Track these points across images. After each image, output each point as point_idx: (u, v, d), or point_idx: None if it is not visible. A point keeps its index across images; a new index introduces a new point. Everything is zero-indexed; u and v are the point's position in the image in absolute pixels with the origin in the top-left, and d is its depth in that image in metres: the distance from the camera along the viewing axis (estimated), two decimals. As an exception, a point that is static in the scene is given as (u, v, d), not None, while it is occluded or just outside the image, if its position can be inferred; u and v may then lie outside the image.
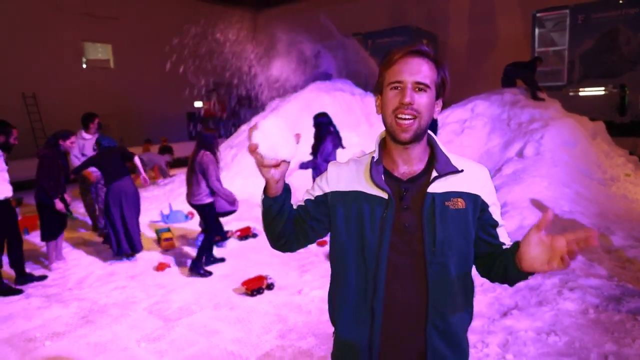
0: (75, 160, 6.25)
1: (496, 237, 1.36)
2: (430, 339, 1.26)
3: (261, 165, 1.18)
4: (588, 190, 6.76)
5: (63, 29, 15.62)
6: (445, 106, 9.07)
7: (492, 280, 1.38)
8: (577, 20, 13.00)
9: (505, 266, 1.27)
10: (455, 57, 16.48)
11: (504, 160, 7.58)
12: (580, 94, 12.96)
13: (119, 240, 5.34)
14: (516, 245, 1.22)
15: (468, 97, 9.73)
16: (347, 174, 1.37)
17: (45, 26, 15.06)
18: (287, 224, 1.37)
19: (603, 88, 12.69)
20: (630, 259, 4.76)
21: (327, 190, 1.38)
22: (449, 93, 1.32)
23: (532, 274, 1.19)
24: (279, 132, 1.16)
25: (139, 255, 5.58)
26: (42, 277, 4.98)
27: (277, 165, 1.19)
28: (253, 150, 1.15)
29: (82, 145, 6.36)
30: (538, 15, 13.66)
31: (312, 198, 1.41)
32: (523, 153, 7.45)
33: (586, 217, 5.85)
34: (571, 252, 1.06)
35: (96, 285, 4.80)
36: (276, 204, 1.31)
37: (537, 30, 13.72)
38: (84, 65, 16.93)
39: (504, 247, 1.35)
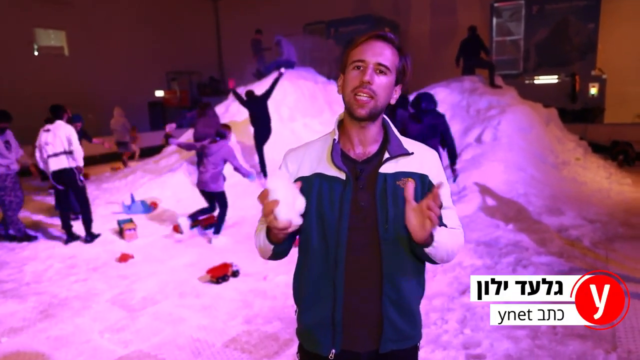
0: None
1: (439, 218, 1.41)
2: (385, 310, 1.34)
3: (277, 229, 1.20)
4: (542, 173, 7.09)
5: (11, 14, 14.81)
6: (407, 93, 9.26)
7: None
8: (532, 10, 13.45)
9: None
10: (417, 45, 16.72)
11: (464, 146, 7.82)
12: (535, 82, 13.46)
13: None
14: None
15: (429, 85, 9.93)
16: (308, 158, 1.41)
17: (-9, 11, 14.25)
18: (288, 249, 1.44)
19: (556, 76, 13.23)
20: (578, 237, 5.06)
21: (292, 179, 1.41)
22: (409, 81, 1.38)
23: (426, 245, 1.25)
24: (288, 194, 1.19)
25: (101, 248, 5.49)
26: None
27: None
28: (268, 215, 1.18)
29: None
30: (496, 5, 14.04)
31: None
32: (481, 139, 7.72)
33: (540, 199, 6.15)
34: (429, 207, 1.14)
35: (56, 279, 4.67)
36: (284, 244, 1.37)
37: (494, 20, 14.10)
38: (36, 53, 16.13)
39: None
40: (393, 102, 1.37)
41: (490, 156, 7.05)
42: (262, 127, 8.11)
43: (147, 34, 18.65)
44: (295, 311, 1.50)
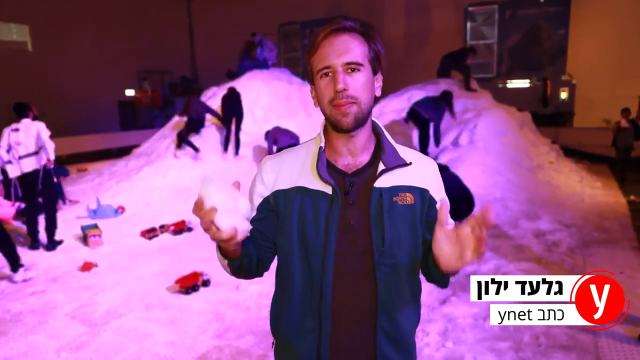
0: None
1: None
2: (379, 344, 1.17)
3: (222, 241, 1.02)
4: (518, 177, 7.10)
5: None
6: (382, 96, 9.23)
7: (430, 282, 1.29)
8: (505, 15, 13.63)
9: (429, 268, 1.20)
10: (392, 47, 16.73)
11: (440, 149, 7.78)
12: (508, 85, 13.63)
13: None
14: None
15: (405, 87, 9.89)
16: (287, 167, 1.22)
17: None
18: (255, 264, 1.26)
19: (528, 81, 13.43)
20: (555, 242, 5.05)
21: (267, 193, 1.22)
22: (385, 65, 1.19)
23: (454, 273, 1.08)
24: (226, 198, 1.00)
25: (62, 255, 5.16)
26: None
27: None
28: (209, 227, 0.99)
29: None
30: (470, 9, 14.17)
31: (255, 213, 1.25)
32: (458, 142, 7.69)
33: (517, 204, 6.14)
34: (479, 239, 0.97)
35: (9, 291, 4.33)
36: (242, 258, 1.18)
37: (469, 24, 14.23)
38: (-5, 48, 15.34)
39: None
40: (378, 93, 1.19)
41: (467, 160, 7.02)
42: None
43: (117, 30, 18.01)
44: (272, 344, 1.31)
